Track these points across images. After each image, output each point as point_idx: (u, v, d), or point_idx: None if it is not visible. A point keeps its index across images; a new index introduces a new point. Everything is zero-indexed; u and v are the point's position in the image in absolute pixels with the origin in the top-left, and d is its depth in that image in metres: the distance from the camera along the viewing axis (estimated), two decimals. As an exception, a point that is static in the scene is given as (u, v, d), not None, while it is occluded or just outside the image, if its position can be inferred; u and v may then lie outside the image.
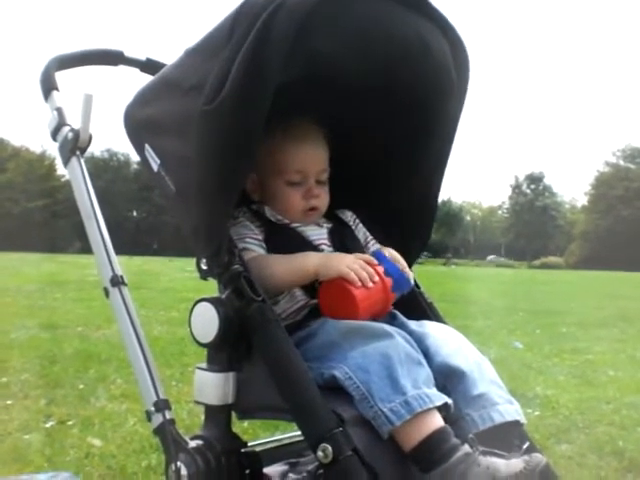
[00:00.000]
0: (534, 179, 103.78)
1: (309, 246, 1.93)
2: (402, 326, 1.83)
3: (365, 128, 2.04)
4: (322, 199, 2.01)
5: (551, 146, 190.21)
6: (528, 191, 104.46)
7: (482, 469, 1.43)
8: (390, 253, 1.94)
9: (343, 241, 2.01)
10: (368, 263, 1.76)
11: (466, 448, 1.48)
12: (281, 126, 1.93)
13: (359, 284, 1.69)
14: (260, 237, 1.89)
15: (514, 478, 1.41)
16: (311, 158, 1.98)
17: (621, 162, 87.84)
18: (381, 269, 1.78)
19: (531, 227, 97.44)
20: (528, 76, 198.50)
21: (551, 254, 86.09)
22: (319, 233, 1.99)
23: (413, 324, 1.86)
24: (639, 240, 66.62)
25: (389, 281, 1.78)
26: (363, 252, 2.02)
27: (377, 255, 1.85)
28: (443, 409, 1.56)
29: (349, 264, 1.72)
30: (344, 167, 2.06)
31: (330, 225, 2.03)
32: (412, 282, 1.95)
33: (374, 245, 2.11)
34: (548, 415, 4.47)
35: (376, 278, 1.74)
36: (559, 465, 3.29)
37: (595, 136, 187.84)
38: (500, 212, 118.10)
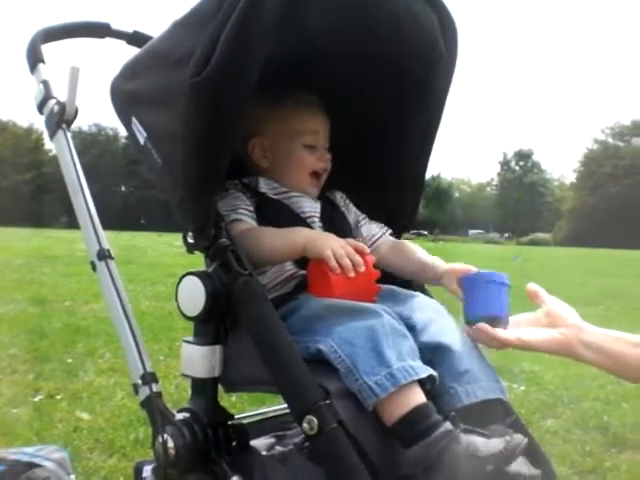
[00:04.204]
0: (523, 156, 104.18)
1: (298, 219, 1.93)
2: (392, 294, 1.85)
3: (354, 101, 2.05)
4: (329, 164, 2.05)
5: (540, 123, 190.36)
6: (517, 168, 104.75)
7: (462, 447, 1.43)
8: None
9: (332, 219, 2.02)
10: (358, 251, 1.72)
11: (447, 425, 1.48)
12: (291, 96, 1.98)
13: (338, 271, 1.67)
14: (251, 208, 1.89)
15: (493, 457, 1.40)
16: (322, 123, 2.03)
17: (610, 140, 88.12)
18: (371, 259, 1.74)
19: (519, 204, 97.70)
20: (518, 53, 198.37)
21: (539, 231, 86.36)
22: (314, 206, 2.00)
23: (403, 294, 1.87)
24: (626, 218, 66.98)
25: (375, 273, 1.75)
26: (350, 231, 2.05)
27: (498, 275, 1.73)
28: (428, 382, 1.57)
29: (335, 248, 1.68)
30: (335, 140, 2.07)
31: (321, 205, 2.04)
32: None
33: (365, 223, 2.12)
34: (534, 390, 4.52)
35: (362, 268, 1.69)
36: (544, 440, 3.33)
37: (584, 113, 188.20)
38: (489, 189, 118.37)
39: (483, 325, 1.63)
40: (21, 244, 17.87)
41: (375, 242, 2.08)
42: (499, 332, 1.61)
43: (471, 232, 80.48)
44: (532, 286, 1.76)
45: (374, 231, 2.10)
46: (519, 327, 1.68)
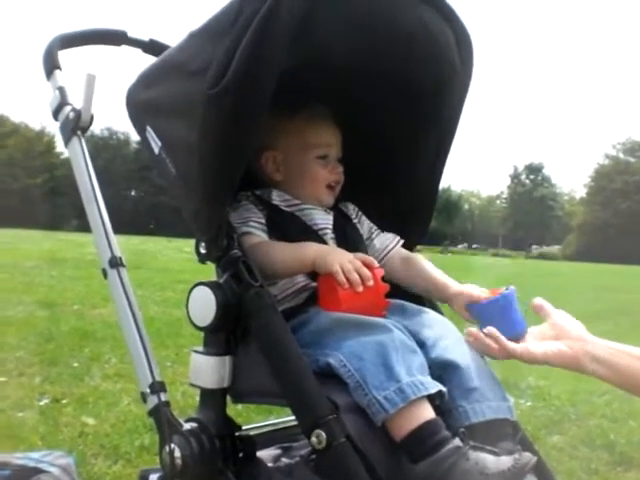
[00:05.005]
0: (533, 169, 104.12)
1: (310, 232, 1.93)
2: (402, 309, 1.84)
3: (368, 114, 2.05)
4: (342, 175, 2.05)
5: (551, 137, 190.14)
6: (527, 181, 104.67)
7: (470, 464, 1.43)
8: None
9: (344, 231, 2.02)
10: (367, 265, 1.71)
11: (456, 441, 1.48)
12: (304, 108, 1.98)
13: (347, 286, 1.66)
14: (263, 221, 1.89)
15: (502, 475, 1.40)
16: (334, 136, 2.04)
17: (621, 155, 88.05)
18: (380, 272, 1.73)
19: (529, 217, 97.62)
20: (530, 66, 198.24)
21: (548, 245, 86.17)
22: (326, 218, 2.00)
23: (413, 309, 1.87)
24: (637, 234, 66.76)
25: (384, 287, 1.73)
26: (362, 243, 2.05)
27: (508, 296, 1.76)
28: (437, 397, 1.57)
29: (343, 263, 1.68)
30: (347, 153, 2.07)
31: (335, 216, 2.04)
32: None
33: (378, 234, 2.12)
34: (540, 406, 4.50)
35: (370, 282, 1.68)
36: (550, 456, 3.31)
37: (596, 128, 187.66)
38: (499, 202, 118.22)
39: (491, 334, 1.63)
40: (31, 246, 17.92)
41: (388, 253, 2.07)
42: (506, 342, 1.61)
43: (461, 246, 79.88)
44: (537, 300, 1.76)
45: (387, 242, 2.09)
46: (525, 340, 1.68)
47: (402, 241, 2.10)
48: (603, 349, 1.60)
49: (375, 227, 2.14)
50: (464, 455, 1.45)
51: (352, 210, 2.14)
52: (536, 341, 1.66)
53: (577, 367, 1.60)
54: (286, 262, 1.79)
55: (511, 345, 1.61)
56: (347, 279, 1.66)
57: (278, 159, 2.00)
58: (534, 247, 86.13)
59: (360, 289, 1.66)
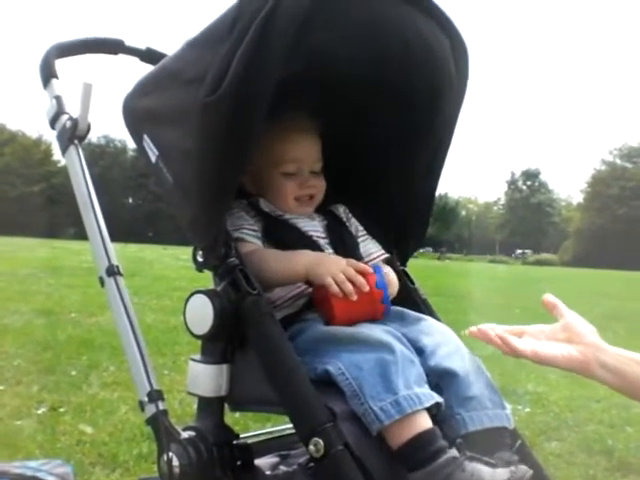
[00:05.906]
0: (530, 175, 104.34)
1: (306, 239, 1.93)
2: (401, 316, 1.83)
3: (363, 123, 2.04)
4: (318, 187, 2.02)
5: (548, 143, 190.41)
6: (524, 187, 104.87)
7: (466, 475, 1.42)
8: (387, 274, 1.88)
9: (342, 237, 2.01)
10: (361, 272, 1.72)
11: (453, 452, 1.48)
12: (277, 119, 1.91)
13: (340, 295, 1.67)
14: (256, 227, 1.88)
15: None
16: (305, 149, 1.99)
17: (618, 161, 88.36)
18: (373, 278, 1.72)
19: (526, 223, 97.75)
20: (526, 72, 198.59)
21: (545, 251, 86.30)
22: (313, 225, 1.98)
23: (412, 316, 1.85)
24: (633, 239, 66.86)
25: (379, 293, 1.73)
26: (358, 249, 2.03)
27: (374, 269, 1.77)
28: (434, 407, 1.56)
29: (335, 274, 1.68)
30: (340, 163, 2.07)
31: (325, 221, 2.02)
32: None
33: (364, 239, 2.11)
34: (538, 412, 4.51)
35: (366, 288, 1.68)
36: (548, 463, 3.32)
37: (592, 134, 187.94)
38: (496, 208, 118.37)
39: (500, 333, 1.61)
40: (28, 254, 17.90)
41: (368, 262, 2.04)
42: (515, 342, 1.59)
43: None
44: (550, 297, 1.73)
45: (370, 250, 2.07)
46: (537, 339, 1.65)
47: (386, 255, 2.09)
48: (615, 357, 1.58)
49: (363, 231, 2.11)
50: (460, 466, 1.44)
51: (342, 212, 2.12)
52: (546, 341, 1.64)
53: (586, 373, 1.57)
54: (280, 273, 1.78)
55: (520, 346, 1.58)
56: (341, 289, 1.66)
57: (251, 173, 1.97)
58: (518, 252, 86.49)
59: (354, 298, 1.67)
